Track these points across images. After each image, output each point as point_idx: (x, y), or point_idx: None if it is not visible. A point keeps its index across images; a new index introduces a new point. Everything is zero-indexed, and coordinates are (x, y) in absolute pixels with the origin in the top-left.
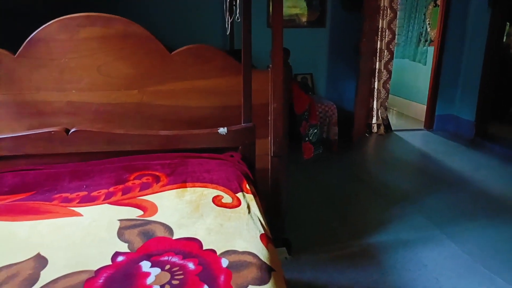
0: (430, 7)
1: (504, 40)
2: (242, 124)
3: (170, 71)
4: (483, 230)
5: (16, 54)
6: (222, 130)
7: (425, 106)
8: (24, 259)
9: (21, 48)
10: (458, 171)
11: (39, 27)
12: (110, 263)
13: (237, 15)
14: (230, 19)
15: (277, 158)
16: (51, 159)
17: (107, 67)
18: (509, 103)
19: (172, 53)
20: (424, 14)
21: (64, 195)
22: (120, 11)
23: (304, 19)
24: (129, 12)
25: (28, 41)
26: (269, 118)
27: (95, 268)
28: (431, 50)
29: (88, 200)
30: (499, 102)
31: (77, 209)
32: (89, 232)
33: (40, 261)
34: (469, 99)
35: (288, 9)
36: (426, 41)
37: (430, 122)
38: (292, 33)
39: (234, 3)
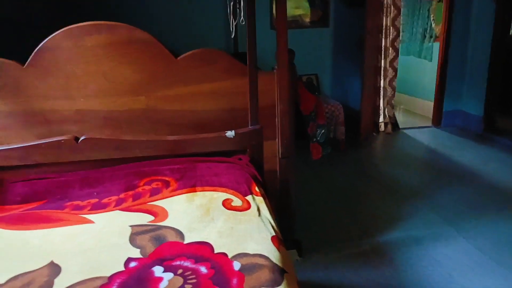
0: (434, 2)
1: (510, 33)
2: (250, 127)
3: (175, 76)
4: (494, 224)
5: (25, 65)
6: (230, 133)
7: (432, 103)
8: (38, 267)
9: (30, 58)
10: (468, 166)
11: (41, 35)
12: (123, 269)
13: (241, 18)
14: (235, 22)
15: (285, 160)
16: (61, 167)
17: (113, 74)
18: None
19: (178, 58)
20: (428, 10)
21: (75, 202)
22: (123, 17)
23: (307, 19)
24: (132, 18)
25: (36, 51)
26: (276, 120)
27: (109, 274)
28: (436, 46)
29: (99, 207)
30: (506, 95)
31: (88, 216)
32: (101, 238)
33: (54, 269)
34: (477, 94)
35: (291, 10)
36: (431, 37)
37: (438, 119)
38: (296, 34)
39: (238, 6)
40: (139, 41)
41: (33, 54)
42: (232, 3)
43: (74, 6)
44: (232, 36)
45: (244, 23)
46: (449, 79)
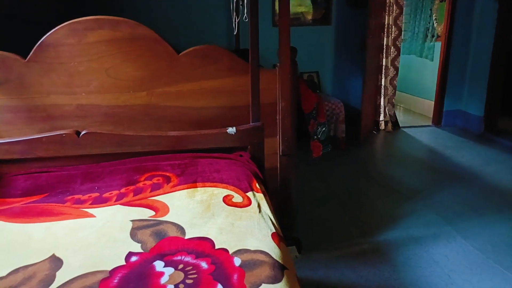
0: (437, 2)
1: None
2: (251, 124)
3: (178, 72)
4: (494, 225)
5: (27, 59)
6: (231, 130)
7: (433, 102)
8: (40, 260)
9: (31, 53)
10: (468, 166)
11: (46, 32)
12: (124, 263)
13: (245, 15)
14: (237, 19)
15: (286, 157)
16: (62, 162)
17: (115, 70)
18: None
19: (180, 54)
20: (431, 10)
21: (76, 196)
22: (125, 13)
23: (309, 17)
24: (135, 14)
25: (37, 46)
26: (277, 117)
27: (110, 269)
28: (438, 45)
29: (100, 202)
30: (507, 96)
31: (89, 210)
32: (102, 233)
33: (56, 262)
34: (477, 94)
35: (294, 8)
36: (433, 36)
37: (438, 118)
38: (298, 31)
39: (241, 3)
40: (142, 37)
41: (34, 48)
42: (235, 0)
43: (80, 2)
44: (235, 33)
45: (246, 20)
46: (450, 79)
